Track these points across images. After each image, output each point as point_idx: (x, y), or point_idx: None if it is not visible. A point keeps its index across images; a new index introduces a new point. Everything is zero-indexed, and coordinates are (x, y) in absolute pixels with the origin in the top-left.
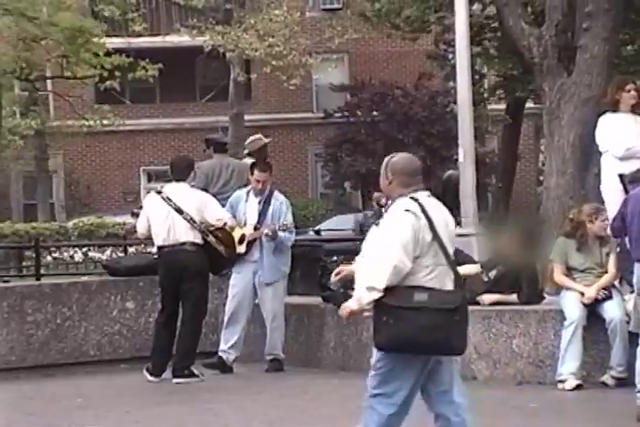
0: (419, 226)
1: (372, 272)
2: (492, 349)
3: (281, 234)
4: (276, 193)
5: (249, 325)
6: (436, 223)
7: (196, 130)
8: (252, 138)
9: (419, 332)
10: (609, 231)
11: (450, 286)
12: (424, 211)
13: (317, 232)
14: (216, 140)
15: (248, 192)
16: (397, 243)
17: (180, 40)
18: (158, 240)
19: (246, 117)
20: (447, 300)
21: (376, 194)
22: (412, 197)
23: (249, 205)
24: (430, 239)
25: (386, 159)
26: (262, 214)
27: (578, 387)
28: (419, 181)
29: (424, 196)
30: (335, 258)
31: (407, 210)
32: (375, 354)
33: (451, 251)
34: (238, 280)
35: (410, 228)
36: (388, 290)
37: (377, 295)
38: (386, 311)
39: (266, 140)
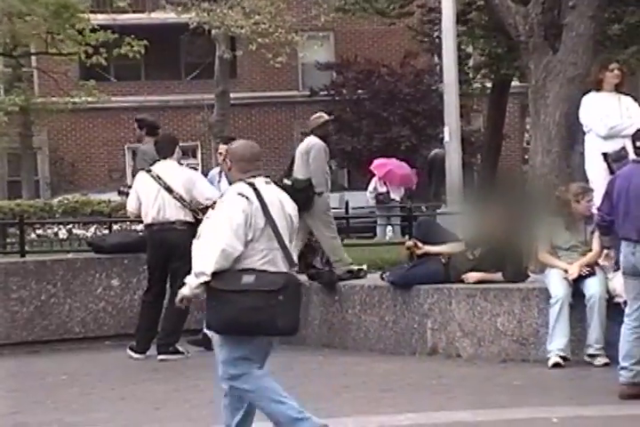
0: (250, 210)
1: (200, 257)
2: (477, 327)
3: None
4: None
5: None
6: (271, 208)
7: (182, 108)
8: (313, 116)
9: (241, 314)
10: (594, 211)
11: (285, 268)
12: (258, 195)
13: None
14: (148, 123)
15: (220, 172)
16: (227, 227)
17: (166, 17)
18: (147, 219)
19: (232, 95)
20: (271, 281)
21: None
22: (248, 183)
23: (222, 185)
24: (263, 224)
25: (228, 146)
26: None
27: (562, 364)
28: (257, 166)
29: (261, 181)
30: None
31: (240, 194)
32: (214, 338)
33: (285, 235)
34: None
35: (241, 212)
36: (218, 274)
37: (205, 280)
38: (213, 295)
39: (326, 117)
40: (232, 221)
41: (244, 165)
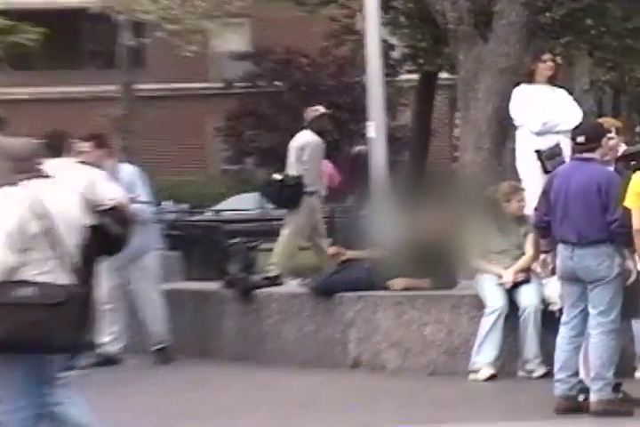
0: (26, 217)
1: None
2: (403, 337)
3: (132, 206)
4: (123, 166)
5: (136, 312)
6: (50, 212)
7: (84, 100)
8: (308, 109)
9: (17, 329)
10: (527, 212)
11: (66, 279)
12: (35, 200)
13: (217, 212)
14: None
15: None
16: (1, 236)
17: (65, 1)
18: None
19: (140, 87)
20: (52, 294)
21: None
22: (23, 186)
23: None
24: (40, 231)
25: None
26: None
27: (492, 377)
28: (33, 166)
29: (40, 183)
30: (236, 240)
31: (11, 199)
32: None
33: (69, 242)
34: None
35: (13, 219)
36: None
37: None
38: None
39: (323, 110)
40: (3, 229)
41: (18, 164)
